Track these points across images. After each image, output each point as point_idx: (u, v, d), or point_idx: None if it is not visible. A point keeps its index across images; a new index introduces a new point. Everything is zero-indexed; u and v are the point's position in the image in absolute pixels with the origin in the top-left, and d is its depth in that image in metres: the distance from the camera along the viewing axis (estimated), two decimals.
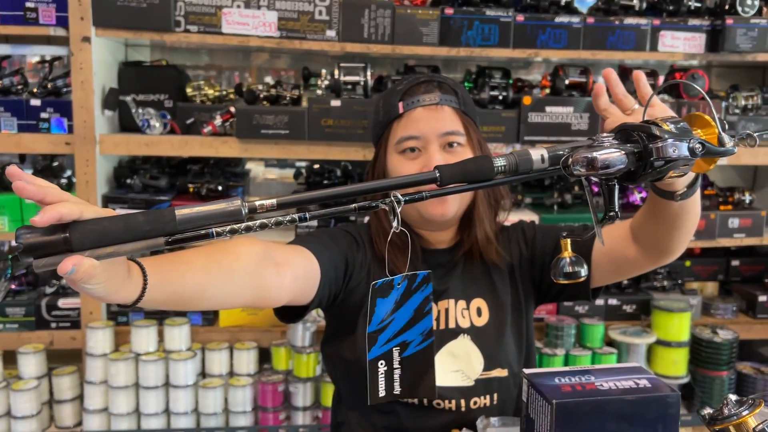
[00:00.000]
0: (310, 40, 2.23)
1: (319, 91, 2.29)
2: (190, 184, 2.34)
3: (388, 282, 0.81)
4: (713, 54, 2.41)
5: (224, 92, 2.43)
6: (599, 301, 2.52)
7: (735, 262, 2.76)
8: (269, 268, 1.08)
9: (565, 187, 2.56)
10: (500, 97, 2.36)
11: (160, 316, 2.31)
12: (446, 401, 1.34)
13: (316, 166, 2.55)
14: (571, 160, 0.77)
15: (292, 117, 2.20)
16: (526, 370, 1.07)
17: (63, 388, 2.25)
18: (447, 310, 1.40)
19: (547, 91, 2.45)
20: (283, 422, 2.26)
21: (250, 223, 0.71)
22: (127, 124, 2.35)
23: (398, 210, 0.77)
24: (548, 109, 2.33)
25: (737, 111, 2.51)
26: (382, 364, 0.82)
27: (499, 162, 0.82)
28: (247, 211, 0.71)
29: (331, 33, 2.24)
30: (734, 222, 2.52)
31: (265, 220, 0.72)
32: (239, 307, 1.10)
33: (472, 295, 1.42)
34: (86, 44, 2.14)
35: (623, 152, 0.75)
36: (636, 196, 2.50)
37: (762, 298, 2.59)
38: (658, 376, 1.03)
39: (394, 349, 0.82)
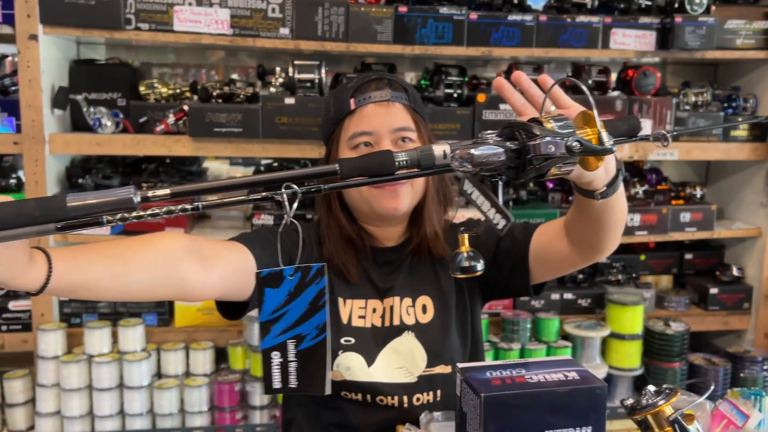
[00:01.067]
0: (264, 37, 2.22)
1: (272, 89, 2.28)
2: (143, 184, 2.31)
3: (277, 272, 0.81)
4: (664, 51, 2.45)
5: (179, 90, 2.41)
6: (555, 296, 2.55)
7: (688, 256, 2.81)
8: (192, 262, 1.08)
9: (521, 184, 2.58)
10: (455, 95, 2.38)
11: (114, 318, 2.28)
12: (389, 398, 1.35)
13: (275, 164, 2.55)
14: (453, 156, 0.77)
15: (246, 115, 2.19)
16: (460, 365, 1.08)
17: (15, 391, 2.21)
18: (392, 308, 1.41)
19: None
20: (240, 422, 2.25)
21: (142, 213, 0.71)
22: (80, 123, 2.32)
23: (295, 202, 0.76)
24: (502, 106, 2.35)
25: (687, 107, 2.56)
26: (276, 355, 0.83)
27: (401, 157, 0.82)
28: (139, 199, 0.71)
29: (284, 31, 2.23)
30: (686, 216, 2.57)
31: (156, 209, 0.72)
32: (161, 298, 1.11)
33: (418, 293, 1.43)
34: (33, 42, 2.10)
35: (502, 149, 0.76)
36: None
37: (713, 291, 2.65)
38: (586, 369, 1.05)
39: (289, 341, 0.83)
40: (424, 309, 1.42)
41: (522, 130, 0.77)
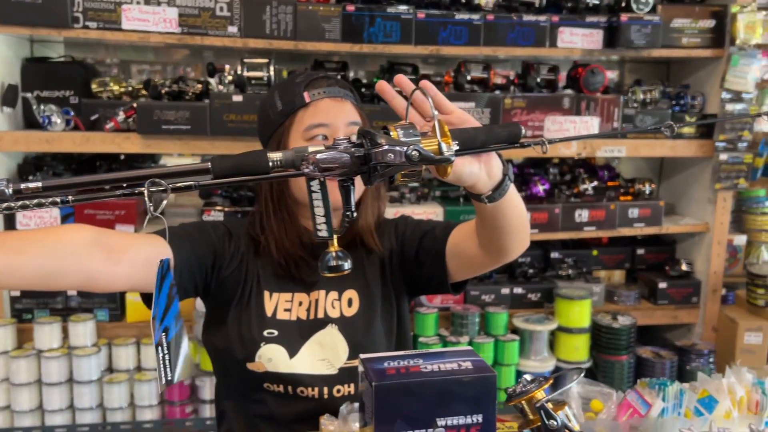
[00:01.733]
0: (212, 36, 2.25)
1: (221, 87, 2.31)
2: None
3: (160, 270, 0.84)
4: (611, 50, 2.50)
5: (131, 88, 2.43)
6: (505, 290, 2.60)
7: (640, 251, 2.86)
8: (98, 254, 1.10)
9: None
10: (403, 93, 2.41)
11: (65, 313, 2.31)
12: (309, 389, 1.37)
13: None
14: (305, 159, 0.81)
15: (194, 112, 2.22)
16: (363, 355, 1.11)
17: None
18: (317, 301, 1.44)
19: (451, 86, 2.51)
20: (190, 415, 2.28)
21: (11, 203, 0.74)
22: (33, 121, 2.34)
23: (165, 199, 0.79)
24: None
25: (635, 105, 2.61)
26: (160, 349, 0.86)
27: (276, 156, 0.86)
28: (11, 192, 0.74)
29: (233, 29, 2.26)
30: (634, 212, 2.62)
31: (26, 202, 0.75)
32: (65, 288, 1.14)
33: (345, 287, 1.45)
34: None
35: (347, 155, 0.80)
36: (539, 188, 2.58)
37: (662, 285, 2.70)
38: (481, 359, 1.08)
39: (162, 335, 0.86)
40: (350, 302, 1.45)
41: (368, 138, 0.81)
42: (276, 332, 1.39)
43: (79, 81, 2.40)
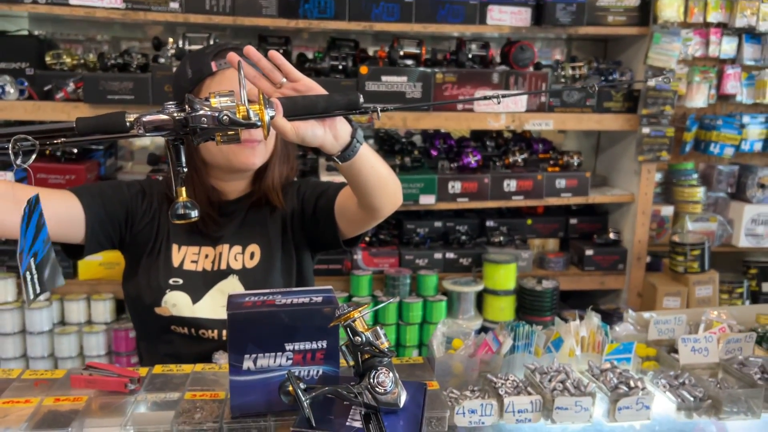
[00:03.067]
0: (155, 11, 2.39)
1: (162, 59, 2.46)
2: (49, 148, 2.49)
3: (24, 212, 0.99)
4: (538, 27, 2.63)
5: (83, 60, 2.57)
6: (437, 255, 2.76)
7: (573, 221, 3.02)
8: (10, 205, 1.27)
9: (406, 150, 2.78)
10: (340, 67, 2.56)
11: (18, 270, 2.48)
12: (210, 331, 1.54)
13: None
14: (136, 121, 0.96)
15: (137, 83, 2.37)
16: (231, 293, 1.27)
17: None
18: (221, 254, 1.59)
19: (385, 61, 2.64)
20: (136, 364, 2.47)
21: None
22: None
23: (33, 154, 0.95)
24: (384, 78, 2.53)
25: (564, 80, 2.74)
26: (28, 274, 1.01)
27: (133, 116, 1.01)
28: None
29: (174, 5, 2.40)
30: (561, 182, 2.76)
31: None
32: None
33: (248, 241, 1.61)
34: None
35: (168, 117, 0.95)
36: (470, 159, 2.73)
37: (589, 252, 2.86)
38: (332, 295, 1.24)
39: (31, 260, 1.02)
40: (252, 255, 1.61)
41: (190, 104, 0.97)
42: (181, 281, 1.55)
43: (34, 53, 2.55)
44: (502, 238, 2.84)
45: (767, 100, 2.83)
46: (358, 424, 1.05)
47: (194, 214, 1.06)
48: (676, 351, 1.50)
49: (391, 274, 2.63)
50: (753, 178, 2.95)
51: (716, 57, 2.81)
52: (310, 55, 2.77)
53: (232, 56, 1.17)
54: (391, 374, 1.06)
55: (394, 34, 2.63)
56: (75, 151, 2.49)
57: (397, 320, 2.61)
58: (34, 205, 1.00)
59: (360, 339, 1.06)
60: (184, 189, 1.06)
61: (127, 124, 1.00)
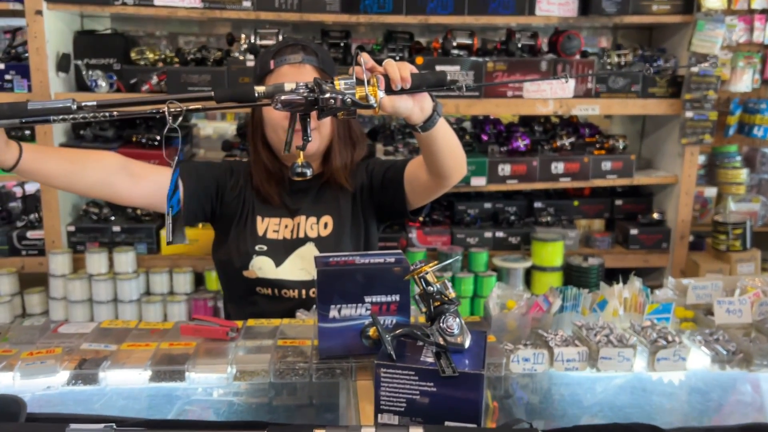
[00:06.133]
0: (230, 9, 2.62)
1: (236, 54, 2.69)
2: (134, 135, 2.76)
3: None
4: (584, 17, 2.76)
5: (164, 56, 2.83)
6: (488, 234, 2.93)
7: (618, 202, 3.15)
8: (122, 175, 1.52)
9: (458, 135, 2.95)
10: (397, 59, 2.74)
11: (111, 246, 2.77)
12: (291, 291, 1.76)
13: None
14: (274, 98, 1.17)
15: (214, 76, 2.61)
16: (317, 255, 1.48)
17: (33, 303, 2.73)
18: (299, 224, 1.81)
19: (439, 52, 2.82)
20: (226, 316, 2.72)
21: (76, 115, 1.12)
22: (83, 84, 2.77)
23: (180, 117, 1.18)
24: (438, 68, 2.71)
25: (609, 67, 2.87)
26: (169, 217, 1.24)
27: (260, 90, 1.22)
28: (75, 107, 1.13)
29: (247, 3, 2.63)
30: (606, 165, 2.90)
31: (85, 114, 1.14)
32: (97, 197, 1.55)
33: (322, 213, 1.82)
34: (39, 17, 2.55)
35: (301, 98, 1.16)
36: (519, 143, 2.89)
37: (633, 232, 2.99)
38: (403, 257, 1.43)
39: (169, 208, 1.24)
40: (326, 225, 1.82)
41: (317, 86, 1.18)
42: (265, 247, 1.78)
43: (120, 50, 2.82)
44: (549, 219, 2.99)
45: None
46: (431, 360, 1.25)
47: (309, 172, 1.26)
48: (712, 314, 1.64)
49: (444, 251, 2.82)
50: None
51: (761, 42, 2.90)
52: (368, 48, 2.97)
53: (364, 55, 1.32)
54: (458, 319, 1.26)
55: (447, 27, 2.81)
56: (158, 138, 2.75)
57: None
58: (175, 165, 1.22)
59: (432, 288, 1.25)
60: (302, 153, 1.27)
61: (256, 94, 1.22)
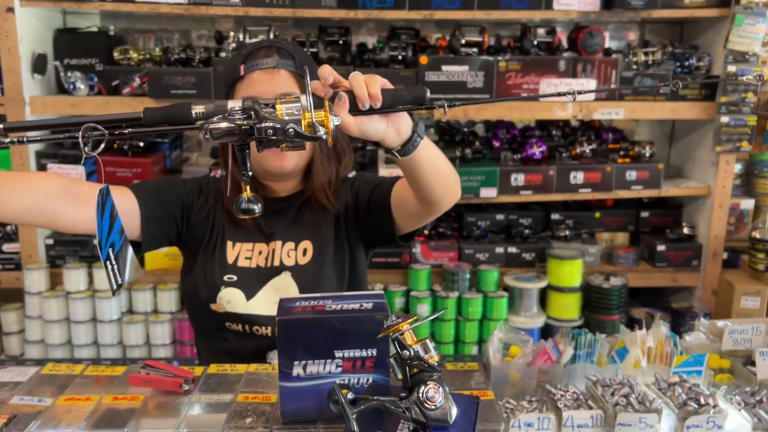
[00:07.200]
0: (216, 5, 2.40)
1: (223, 54, 2.47)
2: (115, 142, 2.57)
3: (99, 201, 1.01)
4: (608, 12, 2.49)
5: (148, 55, 2.63)
6: (499, 249, 2.68)
7: (644, 214, 2.87)
8: (64, 200, 1.30)
9: (468, 141, 2.70)
10: (400, 57, 2.51)
11: (91, 260, 2.58)
12: (263, 328, 1.55)
13: None
14: (203, 126, 0.95)
15: (199, 78, 2.40)
16: (282, 296, 1.27)
17: (9, 321, 2.56)
18: (274, 251, 1.60)
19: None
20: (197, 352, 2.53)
21: None
22: (63, 87, 2.58)
23: (102, 143, 0.96)
24: (444, 68, 2.46)
25: (635, 66, 2.60)
26: (108, 263, 1.03)
27: (199, 109, 1.01)
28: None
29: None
30: (632, 174, 2.63)
31: None
32: (34, 225, 1.35)
33: (301, 238, 1.60)
34: (10, 14, 2.36)
35: (235, 126, 0.93)
36: (535, 150, 2.63)
37: (660, 248, 2.72)
38: (383, 302, 1.21)
39: (109, 250, 1.03)
40: (305, 252, 1.61)
41: (256, 111, 0.95)
42: (235, 277, 1.56)
43: (103, 49, 2.62)
44: (568, 232, 2.74)
45: None
46: None
47: (257, 208, 1.05)
48: (753, 363, 1.40)
49: (451, 268, 2.58)
50: None
51: None
52: (370, 45, 2.73)
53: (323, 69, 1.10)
54: (440, 389, 1.03)
55: (456, 22, 2.56)
56: (141, 144, 2.55)
57: (456, 316, 2.56)
58: (105, 195, 1.01)
59: (408, 353, 1.02)
60: (248, 186, 1.05)
61: (194, 115, 1.00)
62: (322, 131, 0.96)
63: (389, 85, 1.14)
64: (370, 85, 1.08)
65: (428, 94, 1.13)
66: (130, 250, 1.10)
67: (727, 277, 2.67)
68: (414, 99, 1.13)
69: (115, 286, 1.07)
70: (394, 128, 1.16)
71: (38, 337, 2.51)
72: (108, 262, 1.06)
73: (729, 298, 2.64)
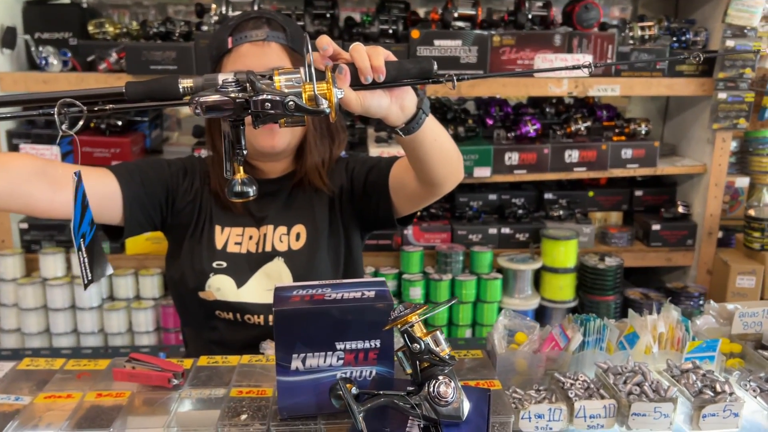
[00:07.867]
0: None
1: (205, 27, 2.35)
2: (92, 120, 2.44)
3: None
4: None
5: (125, 29, 2.49)
6: (492, 230, 2.62)
7: (638, 192, 2.82)
8: (41, 183, 1.20)
9: (460, 119, 2.62)
10: (390, 31, 2.41)
11: (69, 245, 2.47)
12: (255, 316, 1.46)
13: None
14: (192, 102, 0.85)
15: (180, 52, 2.28)
16: (279, 284, 1.18)
17: None
18: (265, 235, 1.51)
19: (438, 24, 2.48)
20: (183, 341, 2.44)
21: None
22: (35, 62, 2.44)
23: (81, 121, 0.86)
24: (437, 42, 2.37)
25: (631, 42, 2.52)
26: (80, 254, 0.94)
27: (187, 83, 0.91)
28: None
29: None
30: (627, 152, 2.57)
31: None
32: (4, 210, 1.24)
33: (293, 221, 1.52)
34: None
35: (227, 99, 0.84)
36: (529, 128, 2.56)
37: (655, 227, 2.67)
38: (386, 290, 1.13)
39: (80, 240, 0.94)
40: (298, 236, 1.52)
41: (251, 82, 0.85)
42: (225, 264, 1.47)
43: (77, 23, 2.48)
44: (561, 212, 2.68)
45: None
46: None
47: (252, 191, 0.95)
48: (764, 347, 1.35)
49: (443, 250, 2.51)
50: None
51: None
52: (358, 19, 2.62)
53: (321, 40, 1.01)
54: (452, 383, 0.96)
55: None
56: (119, 122, 2.43)
57: (450, 298, 2.50)
58: (77, 181, 0.91)
59: (418, 346, 0.95)
60: (241, 167, 0.96)
61: (181, 89, 0.90)
62: (325, 104, 0.87)
63: (393, 58, 1.05)
64: (373, 56, 0.99)
65: (435, 68, 1.05)
66: (99, 242, 1.00)
67: (722, 257, 2.64)
68: (420, 72, 1.04)
69: (86, 281, 0.98)
70: (398, 104, 1.08)
71: (14, 326, 2.40)
72: (80, 254, 0.97)
73: (724, 277, 2.61)
